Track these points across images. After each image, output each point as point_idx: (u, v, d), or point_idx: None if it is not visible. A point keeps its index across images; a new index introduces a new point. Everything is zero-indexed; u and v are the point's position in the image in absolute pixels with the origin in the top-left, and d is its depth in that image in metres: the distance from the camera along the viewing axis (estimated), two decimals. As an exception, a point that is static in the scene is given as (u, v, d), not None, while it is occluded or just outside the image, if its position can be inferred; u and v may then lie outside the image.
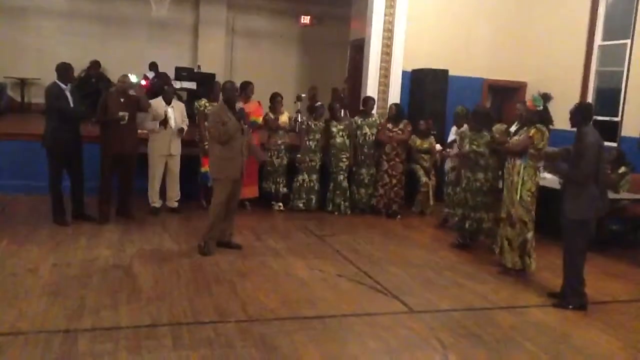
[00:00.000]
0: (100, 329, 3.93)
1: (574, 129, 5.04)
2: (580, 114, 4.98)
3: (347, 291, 5.06)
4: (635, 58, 8.54)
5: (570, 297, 4.97)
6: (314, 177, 8.22)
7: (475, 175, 6.45)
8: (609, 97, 9.07)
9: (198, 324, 4.11)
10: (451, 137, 7.85)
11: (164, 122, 7.12)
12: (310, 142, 8.16)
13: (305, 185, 8.20)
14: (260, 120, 7.80)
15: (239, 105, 6.20)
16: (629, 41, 8.66)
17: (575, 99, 9.39)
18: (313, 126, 8.19)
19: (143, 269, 5.25)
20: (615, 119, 8.88)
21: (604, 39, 9.23)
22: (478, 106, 6.83)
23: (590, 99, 9.40)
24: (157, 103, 7.29)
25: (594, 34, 9.30)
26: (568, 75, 9.47)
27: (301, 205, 8.19)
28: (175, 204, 7.50)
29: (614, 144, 8.59)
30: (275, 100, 8.23)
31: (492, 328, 4.44)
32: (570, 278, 5.00)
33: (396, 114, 8.29)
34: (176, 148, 7.35)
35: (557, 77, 9.49)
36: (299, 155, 8.18)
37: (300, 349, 3.83)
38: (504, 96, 10.61)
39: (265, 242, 6.46)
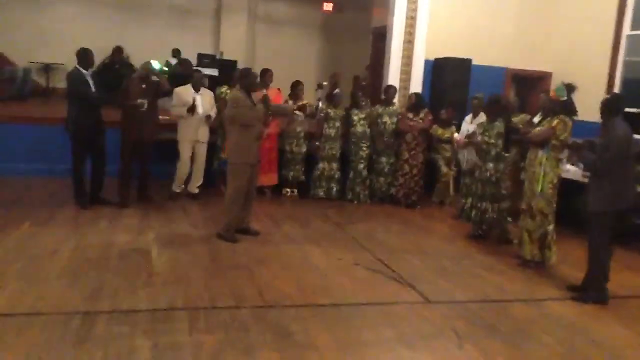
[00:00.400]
0: (118, 311, 3.99)
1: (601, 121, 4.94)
2: (609, 105, 4.87)
3: (363, 279, 5.06)
4: (664, 48, 8.34)
5: (591, 291, 4.90)
6: (334, 165, 8.20)
7: (485, 165, 6.38)
8: (637, 88, 8.86)
9: (214, 308, 4.15)
10: (464, 126, 7.76)
11: (192, 108, 7.15)
12: (330, 130, 8.13)
13: (325, 173, 8.19)
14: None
15: (262, 92, 6.20)
16: (658, 31, 8.46)
17: (601, 90, 9.24)
18: (332, 114, 8.15)
19: (161, 253, 5.31)
20: (644, 110, 8.67)
21: (632, 28, 9.00)
22: (493, 95, 6.72)
23: (617, 90, 9.21)
24: (186, 90, 7.33)
25: (622, 23, 9.07)
26: (594, 66, 9.27)
27: (322, 193, 8.19)
28: (197, 190, 7.56)
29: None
30: (297, 88, 8.21)
31: (508, 319, 4.40)
32: (593, 272, 4.92)
33: (416, 103, 8.22)
34: (204, 135, 7.41)
35: (583, 67, 9.29)
36: (317, 144, 8.17)
37: (314, 336, 3.84)
38: (528, 86, 10.44)
39: (283, 229, 6.48)
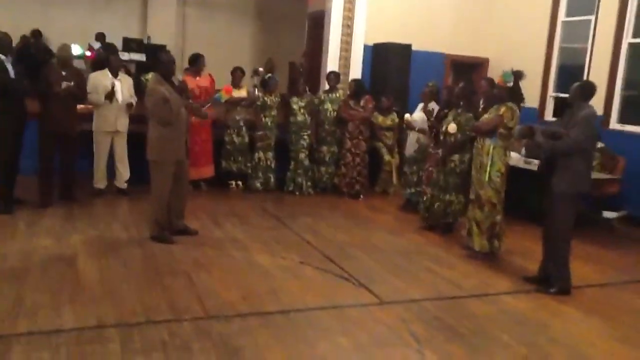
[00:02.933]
0: (38, 332, 3.49)
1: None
2: (585, 91, 4.79)
3: (311, 280, 4.74)
4: (599, 34, 8.42)
5: (555, 280, 4.79)
6: (270, 155, 7.83)
7: (451, 156, 6.17)
8: (572, 74, 8.94)
9: (150, 323, 3.71)
10: (415, 113, 7.56)
11: (110, 95, 6.55)
12: (267, 119, 7.74)
13: (262, 164, 7.81)
14: (224, 96, 7.30)
15: (179, 77, 5.69)
16: (592, 17, 8.53)
17: (538, 76, 9.29)
18: (268, 101, 7.75)
19: (88, 260, 4.78)
20: (578, 96, 8.75)
21: (568, 15, 9.07)
22: (468, 84, 6.52)
23: (553, 75, 9.30)
24: (103, 75, 6.72)
25: (557, 10, 9.13)
26: (531, 52, 9.31)
27: (259, 185, 7.81)
28: (125, 185, 7.00)
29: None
30: (236, 74, 7.80)
31: (467, 319, 4.20)
32: (557, 259, 4.81)
33: (357, 90, 7.95)
34: (123, 124, 6.80)
35: (520, 53, 9.31)
36: (259, 133, 7.77)
37: (264, 351, 3.49)
38: (466, 72, 10.38)
39: (224, 227, 6.06)
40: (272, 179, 7.88)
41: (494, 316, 4.30)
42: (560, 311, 4.50)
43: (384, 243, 5.94)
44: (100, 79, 6.65)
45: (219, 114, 7.72)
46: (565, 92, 9.06)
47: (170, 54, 5.59)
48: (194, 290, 4.32)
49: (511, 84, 5.34)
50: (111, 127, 6.69)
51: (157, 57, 5.45)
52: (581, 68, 8.73)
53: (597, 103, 8.25)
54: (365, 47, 9.24)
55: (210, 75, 7.63)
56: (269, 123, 7.77)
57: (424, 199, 6.53)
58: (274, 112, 7.78)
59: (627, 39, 8.08)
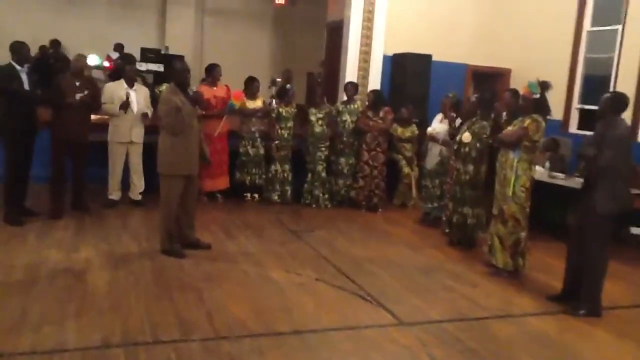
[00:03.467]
0: (41, 352, 3.35)
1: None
2: (615, 103, 4.57)
3: (327, 298, 4.55)
4: (625, 44, 8.16)
5: (586, 302, 4.56)
6: (287, 167, 7.68)
7: (465, 167, 5.97)
8: (598, 85, 8.68)
9: (157, 343, 3.55)
10: (434, 124, 7.37)
11: (125, 105, 6.47)
12: (283, 131, 7.60)
13: (278, 176, 7.66)
14: (236, 103, 7.22)
15: (193, 88, 5.58)
16: (619, 27, 8.27)
17: (562, 87, 9.03)
18: (284, 113, 7.61)
19: (97, 273, 4.66)
20: (605, 108, 8.48)
21: (593, 25, 8.82)
22: (485, 92, 6.34)
23: (577, 86, 9.03)
24: (118, 85, 6.66)
25: (582, 19, 8.87)
26: (555, 62, 9.04)
27: (276, 197, 7.67)
28: (139, 197, 6.89)
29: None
30: (253, 85, 7.67)
31: (489, 341, 3.99)
32: (592, 281, 4.57)
33: (375, 101, 7.78)
34: (138, 135, 6.70)
35: (543, 63, 9.03)
36: (274, 144, 7.63)
37: (275, 374, 3.32)
38: (488, 82, 10.16)
39: (237, 241, 5.91)
40: (289, 191, 7.73)
41: (517, 338, 4.07)
42: (590, 334, 4.26)
43: (402, 258, 5.74)
44: (116, 89, 6.59)
45: (234, 124, 7.62)
46: (590, 104, 8.86)
47: (184, 62, 5.45)
48: (203, 306, 4.17)
49: (537, 95, 5.13)
50: (126, 137, 6.60)
51: (174, 66, 5.33)
52: (607, 79, 8.46)
53: (624, 115, 8.08)
54: (385, 57, 9.07)
55: (226, 86, 7.53)
56: (285, 134, 7.63)
57: (447, 213, 6.31)
58: (289, 124, 7.64)
59: (656, 48, 7.80)
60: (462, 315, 4.40)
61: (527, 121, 5.09)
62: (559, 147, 7.69)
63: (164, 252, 5.22)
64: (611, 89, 8.35)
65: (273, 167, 7.66)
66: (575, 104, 9.07)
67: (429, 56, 8.95)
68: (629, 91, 8.04)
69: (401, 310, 4.37)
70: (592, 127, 8.73)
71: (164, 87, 7.07)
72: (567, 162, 7.92)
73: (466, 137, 5.88)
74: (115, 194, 6.77)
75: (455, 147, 6.11)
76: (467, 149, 5.93)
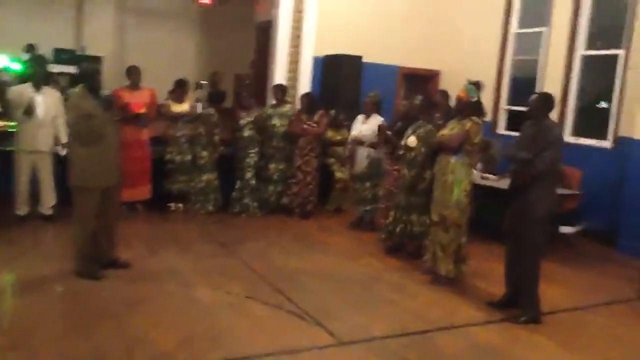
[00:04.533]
0: None
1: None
2: (544, 103, 4.47)
3: (260, 319, 4.18)
4: (551, 46, 8.27)
5: (525, 308, 4.42)
6: (214, 174, 7.26)
7: (411, 172, 5.74)
8: (525, 86, 8.77)
9: (65, 386, 3.10)
10: (356, 125, 7.15)
11: (29, 110, 5.85)
12: (215, 136, 7.18)
13: (208, 184, 7.22)
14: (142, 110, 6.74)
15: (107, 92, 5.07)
16: (545, 29, 8.38)
17: (490, 88, 9.08)
18: (211, 117, 7.19)
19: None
20: (532, 109, 8.57)
21: (520, 26, 8.91)
22: (428, 95, 6.17)
23: (505, 88, 9.11)
24: (23, 89, 6.02)
25: (509, 21, 8.96)
26: (483, 64, 9.08)
27: (205, 207, 7.22)
28: (50, 211, 6.26)
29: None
30: (180, 88, 7.20)
31: (435, 358, 3.76)
32: (529, 285, 4.43)
33: (309, 104, 7.48)
34: (46, 144, 6.06)
35: (472, 65, 9.04)
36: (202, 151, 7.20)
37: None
38: (418, 85, 10.10)
39: (161, 257, 5.43)
40: (217, 200, 7.30)
41: (464, 353, 3.87)
42: (534, 343, 4.11)
43: (339, 270, 5.46)
44: (20, 93, 5.95)
45: (158, 129, 7.13)
46: (517, 105, 8.94)
47: (93, 64, 4.95)
48: (122, 336, 3.71)
49: (475, 98, 4.98)
50: (31, 146, 5.97)
51: (80, 68, 4.82)
52: (534, 80, 8.56)
53: (552, 116, 8.18)
54: (315, 58, 8.82)
55: (150, 89, 7.02)
56: (216, 140, 7.21)
57: (387, 221, 6.07)
58: (217, 128, 7.23)
59: (580, 50, 7.94)
60: (406, 330, 4.15)
61: (468, 124, 4.93)
62: (490, 148, 7.68)
63: (79, 275, 4.68)
64: (538, 90, 8.47)
65: (203, 175, 7.21)
66: (504, 105, 9.14)
67: (359, 58, 8.77)
68: (555, 92, 8.12)
69: (341, 328, 4.07)
70: (520, 128, 8.91)
71: (77, 89, 6.47)
72: (498, 164, 7.94)
73: (411, 141, 5.67)
74: (22, 209, 6.12)
75: (400, 152, 5.88)
76: (412, 154, 5.70)
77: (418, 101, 5.91)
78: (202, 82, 9.06)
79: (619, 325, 4.60)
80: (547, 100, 4.56)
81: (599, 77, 7.82)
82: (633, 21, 7.16)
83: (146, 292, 4.51)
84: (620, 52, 7.36)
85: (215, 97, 7.41)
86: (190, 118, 7.18)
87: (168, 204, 7.17)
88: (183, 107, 7.19)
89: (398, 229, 5.87)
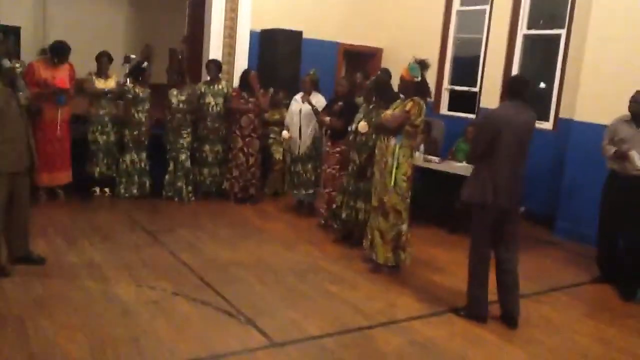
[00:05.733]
0: None
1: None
2: (508, 86, 4.17)
3: (186, 319, 3.81)
4: (494, 25, 8.12)
5: (468, 303, 4.20)
6: (143, 155, 6.77)
7: (360, 157, 5.44)
8: (468, 65, 8.62)
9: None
10: (295, 104, 6.82)
11: None
12: (139, 115, 6.67)
13: (133, 166, 6.72)
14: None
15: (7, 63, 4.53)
16: (487, 7, 8.21)
17: (432, 67, 8.85)
18: (140, 94, 6.68)
19: None
20: (474, 89, 8.46)
21: (462, 4, 8.71)
22: (381, 74, 5.81)
23: (448, 67, 8.93)
24: None
25: (452, -1, 8.76)
26: (426, 42, 8.85)
27: (130, 191, 6.73)
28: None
29: (473, 116, 8.22)
30: (101, 61, 6.65)
31: (375, 358, 3.51)
32: (469, 278, 4.19)
33: (242, 81, 7.05)
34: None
35: (414, 43, 8.77)
36: (128, 130, 6.68)
37: None
38: (360, 62, 9.80)
39: (80, 249, 4.96)
40: (147, 184, 6.82)
41: (405, 351, 3.63)
42: (476, 337, 3.92)
43: (276, 259, 5.13)
44: None
45: (79, 107, 6.57)
46: (460, 85, 8.79)
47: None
48: (26, 343, 3.28)
49: (419, 78, 4.71)
50: None
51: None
52: (477, 59, 8.41)
53: (493, 95, 8.08)
54: (252, 33, 8.35)
55: (70, 64, 6.43)
56: (143, 119, 6.70)
57: (334, 206, 5.77)
58: (147, 106, 6.72)
59: (522, 30, 7.82)
60: (344, 327, 3.87)
61: (409, 104, 4.66)
62: (432, 129, 7.50)
63: (-18, 270, 4.19)
64: (480, 70, 8.34)
65: (127, 156, 6.71)
66: (446, 85, 8.98)
67: (299, 33, 8.39)
68: (497, 72, 8.07)
69: (275, 326, 3.76)
70: (462, 109, 8.79)
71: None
72: (440, 145, 7.78)
73: (362, 126, 5.34)
74: None
75: (350, 137, 5.55)
76: (363, 138, 5.38)
77: (370, 82, 5.58)
78: (131, 55, 8.46)
79: (561, 314, 4.49)
80: (511, 82, 4.28)
81: (540, 57, 7.73)
82: (575, 0, 7.06)
83: (59, 290, 4.06)
84: (562, 32, 7.27)
85: (135, 72, 6.85)
86: (115, 95, 6.65)
87: (91, 189, 6.65)
88: (108, 84, 6.64)
89: (344, 216, 5.59)
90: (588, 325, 4.34)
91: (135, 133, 6.67)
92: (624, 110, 5.04)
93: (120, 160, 6.70)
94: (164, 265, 4.74)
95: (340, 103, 6.01)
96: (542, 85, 7.87)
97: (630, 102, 4.93)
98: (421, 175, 6.50)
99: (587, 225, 6.05)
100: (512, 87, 4.11)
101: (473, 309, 4.15)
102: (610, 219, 5.06)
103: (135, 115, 6.66)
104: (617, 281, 5.06)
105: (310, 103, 6.30)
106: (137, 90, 6.68)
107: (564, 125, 7.07)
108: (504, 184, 3.94)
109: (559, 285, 5.11)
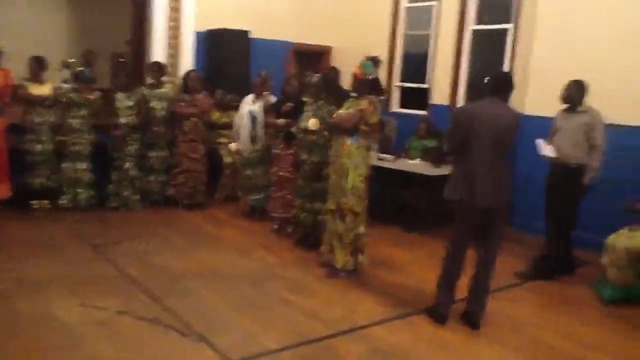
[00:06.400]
0: None
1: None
2: (489, 83, 4.00)
3: (133, 340, 3.54)
4: (442, 21, 8.10)
5: (434, 301, 4.09)
6: (85, 165, 6.42)
7: (312, 157, 5.26)
8: (418, 62, 8.58)
9: None
10: (245, 107, 6.63)
11: None
12: (75, 121, 6.34)
13: (74, 176, 6.37)
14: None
15: None
16: (435, 2, 8.18)
17: (383, 65, 8.79)
18: (77, 99, 6.34)
19: None
20: (425, 85, 8.42)
21: (410, 1, 8.66)
22: (329, 72, 5.65)
23: (398, 64, 8.87)
24: None
25: (400, -5, 8.69)
26: (375, 39, 8.78)
27: (74, 202, 6.37)
28: None
29: (424, 113, 8.17)
30: (32, 66, 6.26)
31: (336, 369, 3.35)
32: (439, 275, 4.08)
33: (185, 83, 6.79)
34: None
35: (364, 41, 8.73)
36: (66, 138, 6.33)
37: None
38: (311, 61, 9.64)
39: (18, 264, 4.61)
40: (90, 195, 6.47)
41: (367, 359, 3.48)
42: (439, 340, 3.80)
43: (229, 268, 4.91)
44: None
45: (14, 116, 6.17)
46: (410, 82, 8.74)
47: None
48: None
49: (372, 75, 4.58)
50: None
51: None
52: (426, 56, 8.38)
53: (443, 91, 8.06)
54: (198, 33, 8.08)
55: (5, 69, 6.04)
56: (79, 126, 6.35)
57: (293, 212, 5.58)
58: (84, 112, 6.37)
59: (471, 25, 7.81)
60: (304, 338, 3.69)
61: (363, 103, 4.52)
62: (384, 127, 7.40)
63: None
64: (429, 66, 8.30)
65: (69, 165, 6.35)
66: (396, 82, 8.91)
67: (247, 33, 8.16)
68: (446, 68, 8.05)
69: (230, 342, 3.54)
70: (413, 105, 8.74)
71: None
72: (393, 143, 7.70)
73: (314, 123, 5.17)
74: None
75: (300, 136, 5.37)
76: (313, 137, 5.21)
77: (318, 78, 5.42)
78: (70, 60, 8.06)
79: (523, 311, 4.44)
80: (491, 79, 4.07)
81: (489, 52, 7.74)
82: (521, -6, 7.09)
83: (-8, 315, 3.74)
84: (509, 27, 7.29)
85: (79, 79, 6.51)
86: (52, 102, 6.29)
87: (31, 202, 6.26)
88: (43, 90, 6.27)
89: (302, 218, 5.41)
90: (551, 320, 4.30)
91: (75, 141, 6.32)
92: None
93: (62, 170, 6.34)
94: (110, 281, 4.44)
95: (289, 104, 5.83)
96: (486, 80, 7.86)
97: (562, 90, 5.02)
98: (375, 174, 6.38)
99: (542, 218, 6.06)
100: (492, 84, 3.95)
101: (435, 308, 4.06)
102: (547, 208, 5.17)
103: (72, 122, 6.31)
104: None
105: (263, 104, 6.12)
106: (74, 95, 6.33)
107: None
108: (480, 182, 3.81)
109: (518, 281, 5.06)
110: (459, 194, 3.85)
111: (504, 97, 3.95)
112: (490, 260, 4.01)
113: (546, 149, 5.05)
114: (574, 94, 4.97)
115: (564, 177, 5.00)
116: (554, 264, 5.13)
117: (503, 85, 3.95)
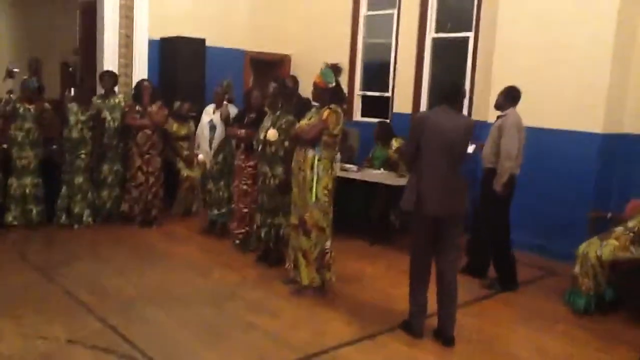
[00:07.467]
0: None
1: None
2: (444, 92, 3.95)
3: (83, 372, 3.27)
4: (402, 29, 8.02)
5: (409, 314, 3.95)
6: (30, 179, 6.04)
7: (273, 170, 5.05)
8: (379, 70, 8.48)
9: None
10: (205, 117, 6.40)
11: None
12: (17, 132, 5.97)
13: (17, 191, 5.98)
14: None
15: None
16: (395, 10, 8.10)
17: (344, 73, 8.64)
18: (22, 110, 5.97)
19: None
20: (387, 94, 8.32)
21: (369, 9, 8.56)
22: (283, 80, 5.46)
23: (359, 72, 8.75)
24: None
25: (359, 3, 8.57)
26: (335, 47, 8.63)
27: (19, 219, 5.99)
28: None
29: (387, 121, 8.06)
30: None
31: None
32: (409, 289, 3.95)
33: (136, 93, 6.49)
34: None
35: (323, 49, 8.55)
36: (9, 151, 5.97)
37: None
38: (268, 71, 9.43)
39: (-48, 295, 4.24)
40: (36, 211, 6.09)
41: (340, 387, 3.28)
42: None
43: (188, 289, 4.62)
44: None
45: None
46: (373, 90, 8.62)
47: None
48: None
49: (333, 84, 4.41)
50: None
51: None
52: (387, 64, 8.29)
53: (405, 99, 7.97)
54: (151, 41, 7.77)
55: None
56: (20, 138, 6.00)
57: (254, 227, 5.34)
58: (29, 125, 6.00)
59: (431, 33, 7.75)
60: (269, 364, 3.47)
61: (325, 113, 4.34)
62: (347, 137, 7.25)
63: None
64: (391, 75, 8.21)
65: (14, 180, 5.97)
66: (357, 91, 8.79)
67: (202, 40, 7.90)
68: (408, 76, 7.96)
69: (188, 373, 3.29)
70: (375, 114, 8.60)
71: None
72: (356, 153, 7.55)
73: (272, 134, 4.95)
74: None
75: (259, 148, 5.13)
76: (273, 149, 4.99)
77: (274, 88, 5.22)
78: (14, 69, 7.63)
79: (492, 325, 4.31)
80: (446, 88, 4.09)
81: (450, 61, 7.69)
82: (481, 3, 7.05)
83: None
84: (470, 35, 7.26)
85: (26, 90, 6.15)
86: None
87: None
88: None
89: (263, 234, 5.18)
90: (520, 334, 4.22)
91: (20, 155, 5.94)
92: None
93: (7, 185, 5.95)
94: (57, 307, 4.11)
95: (252, 115, 5.60)
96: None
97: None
98: (338, 185, 6.21)
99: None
100: (444, 92, 3.93)
101: (409, 322, 3.94)
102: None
103: (16, 134, 5.94)
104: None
105: (223, 115, 5.89)
106: (18, 105, 5.97)
107: (477, 128, 7.01)
108: (430, 190, 3.70)
109: (483, 294, 4.95)
110: (410, 203, 3.75)
111: (454, 105, 3.90)
112: (454, 268, 3.90)
113: (470, 148, 4.98)
114: (500, 99, 5.06)
115: (482, 180, 5.11)
116: (479, 266, 5.18)
117: (452, 93, 3.92)
